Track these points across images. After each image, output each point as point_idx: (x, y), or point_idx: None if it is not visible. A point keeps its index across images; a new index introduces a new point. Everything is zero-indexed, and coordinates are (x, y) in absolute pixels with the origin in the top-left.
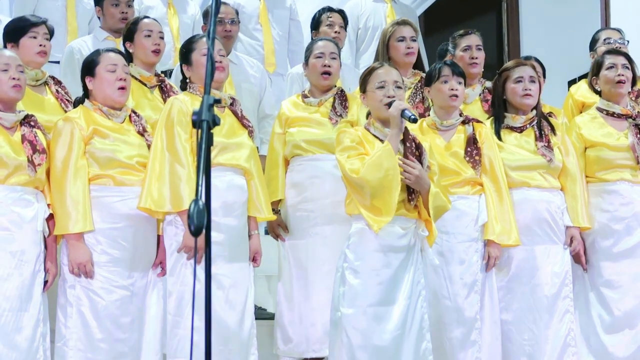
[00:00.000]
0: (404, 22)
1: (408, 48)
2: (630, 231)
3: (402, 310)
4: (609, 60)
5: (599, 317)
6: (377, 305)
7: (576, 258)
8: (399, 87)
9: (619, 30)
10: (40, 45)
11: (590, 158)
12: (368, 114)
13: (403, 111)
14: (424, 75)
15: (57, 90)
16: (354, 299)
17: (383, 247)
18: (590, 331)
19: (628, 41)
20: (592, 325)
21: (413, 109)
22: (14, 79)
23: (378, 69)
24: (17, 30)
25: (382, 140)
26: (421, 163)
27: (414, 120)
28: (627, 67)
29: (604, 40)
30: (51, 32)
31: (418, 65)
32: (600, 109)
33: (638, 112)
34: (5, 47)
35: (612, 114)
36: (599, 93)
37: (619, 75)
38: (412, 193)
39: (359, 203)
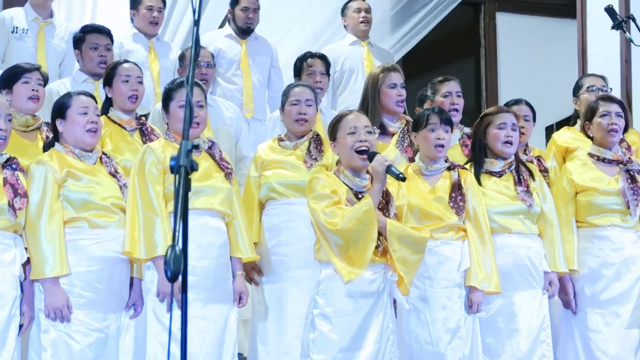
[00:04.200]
0: (394, 69)
1: (399, 95)
2: (620, 277)
3: (370, 355)
4: (603, 107)
5: None
6: (347, 351)
7: (565, 303)
8: (370, 132)
9: (602, 77)
10: (33, 90)
11: (581, 203)
12: (337, 162)
13: (389, 167)
14: (409, 118)
15: (47, 137)
16: (325, 345)
17: (353, 293)
18: None
19: (611, 88)
20: None
21: (402, 153)
22: (0, 130)
23: (347, 115)
24: (11, 77)
25: (351, 188)
26: (388, 211)
27: (403, 179)
28: (620, 116)
29: (588, 87)
30: (45, 79)
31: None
32: (591, 155)
33: (629, 158)
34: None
35: (603, 160)
36: (591, 138)
37: (612, 123)
38: (379, 239)
39: (330, 252)
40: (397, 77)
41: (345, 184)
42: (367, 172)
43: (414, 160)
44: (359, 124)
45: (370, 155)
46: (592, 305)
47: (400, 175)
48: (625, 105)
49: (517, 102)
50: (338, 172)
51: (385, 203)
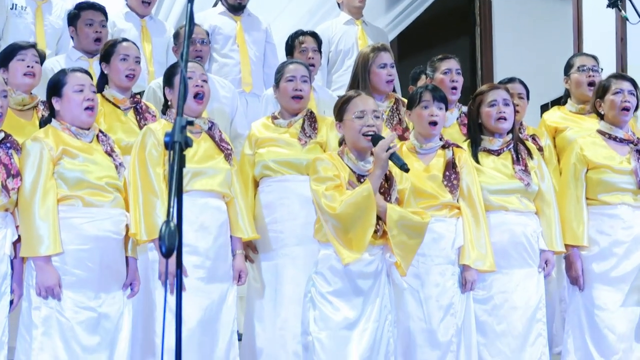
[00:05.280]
0: (384, 48)
1: (389, 75)
2: (629, 255)
3: (370, 334)
4: (615, 85)
5: (592, 340)
6: (347, 329)
7: (573, 280)
8: (377, 117)
9: (594, 57)
10: (28, 67)
11: (593, 180)
12: (341, 142)
13: (392, 155)
14: (398, 96)
15: (42, 116)
16: (324, 323)
17: (351, 273)
18: (584, 353)
19: (602, 68)
20: (586, 348)
21: (391, 131)
22: None
23: (355, 97)
24: (7, 54)
25: (354, 172)
26: (390, 195)
27: (406, 170)
28: (633, 94)
29: (579, 67)
30: (42, 56)
31: None
32: (602, 132)
33: (638, 138)
34: None
35: (615, 138)
36: (601, 116)
37: (625, 101)
38: (378, 224)
39: (330, 235)
40: (387, 57)
41: (349, 167)
42: (372, 154)
43: (403, 138)
44: (367, 108)
45: (375, 139)
46: (600, 282)
47: (404, 166)
48: (637, 84)
49: (510, 80)
50: (342, 154)
51: (387, 187)
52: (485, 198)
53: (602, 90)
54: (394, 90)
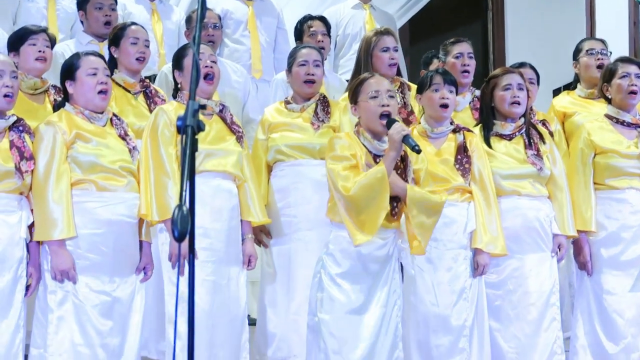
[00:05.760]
0: (387, 32)
1: (391, 59)
2: (637, 240)
3: (377, 319)
4: (622, 68)
5: (600, 325)
6: (354, 313)
7: (581, 265)
8: (392, 97)
9: (602, 41)
10: (40, 51)
11: (600, 165)
12: (357, 124)
13: (405, 137)
14: (403, 80)
15: (54, 100)
16: (332, 305)
17: (362, 256)
18: (593, 338)
19: (611, 52)
20: (595, 332)
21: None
22: (6, 86)
23: (369, 79)
24: (18, 39)
25: (370, 152)
26: (406, 175)
27: (418, 151)
28: None
29: (587, 50)
30: (52, 41)
31: (396, 71)
32: (609, 117)
33: None
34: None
35: (622, 122)
36: (608, 100)
37: (632, 85)
38: (395, 205)
39: (343, 214)
40: (390, 41)
41: (365, 147)
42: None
43: (408, 122)
44: (381, 88)
45: (389, 122)
46: (609, 267)
47: (416, 147)
48: None
49: (521, 65)
50: (358, 134)
51: (403, 167)
52: (497, 183)
53: (608, 74)
54: (398, 74)
